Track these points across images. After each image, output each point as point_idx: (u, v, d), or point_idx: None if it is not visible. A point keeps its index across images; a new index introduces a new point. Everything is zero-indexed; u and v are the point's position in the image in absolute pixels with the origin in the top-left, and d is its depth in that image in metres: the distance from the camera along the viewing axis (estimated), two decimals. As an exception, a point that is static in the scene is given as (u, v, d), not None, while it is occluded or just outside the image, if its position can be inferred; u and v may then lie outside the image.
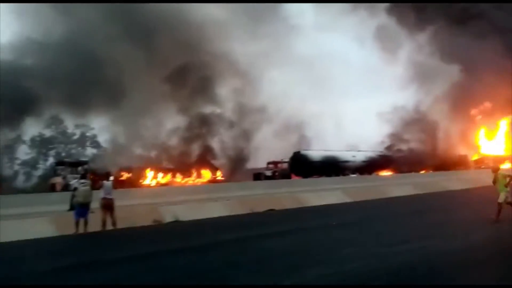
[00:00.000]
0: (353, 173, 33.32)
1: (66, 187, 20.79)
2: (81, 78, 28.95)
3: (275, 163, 32.65)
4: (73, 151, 47.19)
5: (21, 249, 9.43)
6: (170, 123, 33.57)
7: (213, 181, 29.20)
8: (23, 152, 44.22)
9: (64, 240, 10.62)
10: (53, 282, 5.84)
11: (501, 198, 9.68)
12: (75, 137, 48.12)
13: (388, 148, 39.09)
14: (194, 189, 20.54)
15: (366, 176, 31.74)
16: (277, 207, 16.02)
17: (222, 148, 34.97)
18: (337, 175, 29.95)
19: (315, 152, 32.92)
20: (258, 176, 30.74)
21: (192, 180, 29.43)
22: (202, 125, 33.80)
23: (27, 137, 42.25)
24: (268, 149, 35.63)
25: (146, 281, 5.63)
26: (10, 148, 40.06)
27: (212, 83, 34.53)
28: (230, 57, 33.72)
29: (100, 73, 28.93)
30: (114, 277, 6.04)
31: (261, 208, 15.67)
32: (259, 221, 12.95)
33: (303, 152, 32.46)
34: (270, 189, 18.94)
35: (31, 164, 44.77)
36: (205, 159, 32.20)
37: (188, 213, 14.36)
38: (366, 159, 35.65)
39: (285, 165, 32.19)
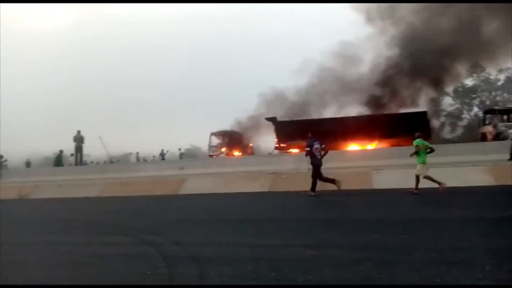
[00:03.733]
0: None
1: (497, 136, 19.73)
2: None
3: None
4: (498, 98, 44.37)
5: (465, 195, 9.98)
6: None
7: None
8: (447, 104, 46.28)
9: (504, 190, 10.26)
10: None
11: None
12: (500, 83, 44.77)
13: None
14: None
15: None
16: None
17: None
18: None
19: None
20: None
21: None
22: None
23: (450, 89, 43.79)
24: None
25: None
26: (435, 101, 43.07)
27: None
28: None
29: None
30: None
31: None
32: None
33: None
34: None
35: (456, 115, 46.16)
36: None
37: None
38: None
39: None
